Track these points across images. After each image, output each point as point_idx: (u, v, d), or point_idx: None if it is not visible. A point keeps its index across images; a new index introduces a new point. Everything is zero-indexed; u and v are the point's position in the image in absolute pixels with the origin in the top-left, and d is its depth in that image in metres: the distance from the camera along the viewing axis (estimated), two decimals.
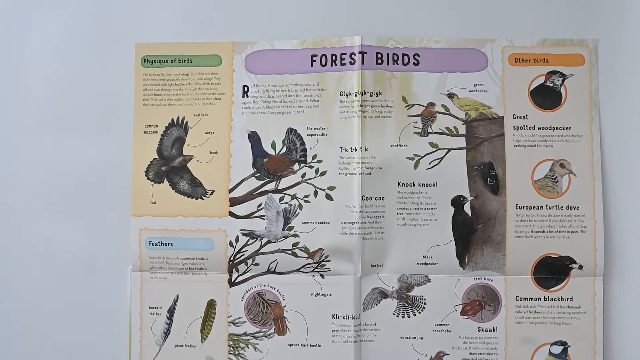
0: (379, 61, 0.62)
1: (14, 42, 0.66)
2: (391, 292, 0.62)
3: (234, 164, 0.63)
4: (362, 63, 0.62)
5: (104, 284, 0.64)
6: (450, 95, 0.62)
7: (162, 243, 0.63)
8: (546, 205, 0.61)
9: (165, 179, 0.64)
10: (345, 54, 0.62)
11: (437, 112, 0.62)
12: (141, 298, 0.63)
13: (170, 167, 0.64)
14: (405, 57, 0.62)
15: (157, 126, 0.64)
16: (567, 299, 0.61)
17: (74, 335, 0.64)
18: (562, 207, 0.61)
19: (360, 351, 0.61)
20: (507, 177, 0.61)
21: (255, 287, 0.63)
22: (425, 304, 0.62)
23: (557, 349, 0.61)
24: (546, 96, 0.62)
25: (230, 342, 0.62)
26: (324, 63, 0.63)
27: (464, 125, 0.62)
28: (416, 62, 0.62)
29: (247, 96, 0.63)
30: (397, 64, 0.62)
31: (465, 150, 0.61)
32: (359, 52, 0.62)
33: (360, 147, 0.61)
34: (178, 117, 0.64)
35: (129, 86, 0.64)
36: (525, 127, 0.62)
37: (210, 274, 0.63)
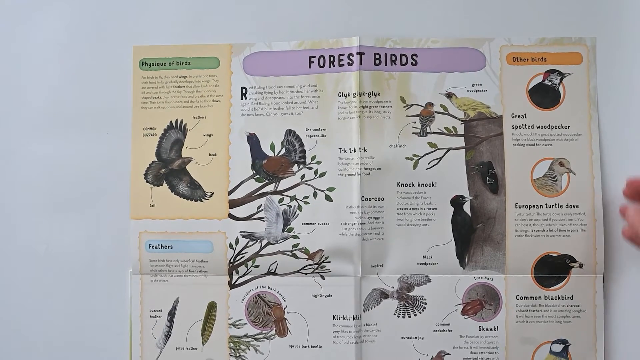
0: (377, 62, 0.62)
1: (13, 43, 0.66)
2: (391, 292, 0.62)
3: (233, 166, 0.63)
4: (360, 64, 0.62)
5: (104, 286, 0.64)
6: (449, 95, 0.62)
7: (161, 246, 0.63)
8: (546, 204, 0.61)
9: (165, 182, 0.63)
10: (343, 55, 0.62)
11: (436, 112, 0.62)
12: (141, 301, 0.63)
13: (169, 170, 0.63)
14: (404, 58, 0.62)
15: (155, 129, 0.64)
16: (568, 297, 0.61)
17: (73, 337, 0.64)
18: (561, 205, 0.61)
19: (361, 352, 0.61)
20: (507, 176, 0.61)
21: (255, 288, 0.63)
22: (425, 304, 0.62)
23: (558, 348, 0.61)
24: (544, 95, 0.62)
25: (231, 344, 0.62)
26: (322, 64, 0.63)
27: (463, 124, 0.62)
28: (414, 63, 0.62)
29: (246, 98, 0.63)
30: (395, 64, 0.62)
31: (464, 149, 0.61)
32: (357, 53, 0.62)
33: (359, 148, 0.61)
34: (176, 120, 0.64)
35: (128, 89, 0.64)
36: (523, 126, 0.61)
37: (210, 276, 0.62)
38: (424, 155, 0.62)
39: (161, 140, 0.64)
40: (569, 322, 0.61)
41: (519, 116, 0.62)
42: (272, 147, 0.63)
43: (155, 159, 0.64)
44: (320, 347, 0.61)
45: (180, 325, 0.62)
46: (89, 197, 0.64)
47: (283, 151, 0.63)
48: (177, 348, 0.62)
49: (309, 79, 0.63)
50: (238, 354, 0.62)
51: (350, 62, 0.62)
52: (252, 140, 0.63)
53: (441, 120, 0.62)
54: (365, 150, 0.61)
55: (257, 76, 0.63)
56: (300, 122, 0.63)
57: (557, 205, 0.61)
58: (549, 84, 0.62)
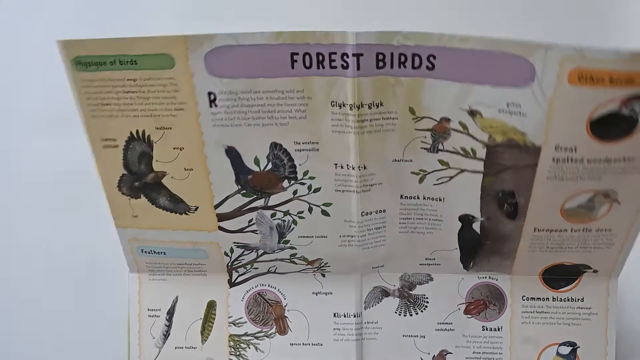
0: (380, 64, 0.46)
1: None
2: (393, 290, 0.61)
3: (215, 181, 0.55)
4: (358, 68, 0.46)
5: (103, 286, 0.65)
6: (472, 113, 0.47)
7: (154, 252, 0.60)
8: (571, 229, 0.52)
9: (142, 195, 0.57)
10: (335, 53, 0.47)
11: (452, 129, 0.49)
12: (139, 300, 0.63)
13: (144, 184, 0.56)
14: (417, 59, 0.46)
15: (115, 140, 0.54)
16: (578, 299, 0.58)
17: (71, 337, 0.67)
18: (590, 230, 0.52)
19: (362, 349, 0.63)
20: (530, 205, 0.51)
21: (255, 287, 0.62)
22: (427, 302, 0.61)
23: (566, 350, 0.60)
24: (614, 126, 0.43)
25: (231, 343, 0.64)
26: (308, 64, 0.48)
27: (485, 148, 0.49)
28: (430, 66, 0.46)
29: (216, 105, 0.51)
30: (405, 67, 0.46)
31: (481, 174, 0.51)
32: (353, 55, 0.46)
33: (358, 167, 0.52)
34: (137, 131, 0.53)
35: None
36: (568, 160, 0.46)
37: (209, 274, 0.61)
38: (432, 172, 0.52)
39: (126, 153, 0.55)
40: (579, 324, 0.59)
41: (565, 149, 0.45)
42: (257, 162, 0.54)
43: (125, 172, 0.56)
44: (321, 344, 0.63)
45: (180, 325, 0.63)
46: (89, 196, 0.60)
47: (270, 166, 0.54)
48: (176, 347, 0.64)
49: (292, 82, 0.49)
50: (238, 353, 0.65)
51: (345, 65, 0.47)
52: (232, 154, 0.53)
53: (458, 139, 0.49)
54: (364, 168, 0.52)
55: (224, 78, 0.49)
56: (287, 135, 0.52)
57: (585, 230, 0.52)
58: (628, 113, 0.41)
